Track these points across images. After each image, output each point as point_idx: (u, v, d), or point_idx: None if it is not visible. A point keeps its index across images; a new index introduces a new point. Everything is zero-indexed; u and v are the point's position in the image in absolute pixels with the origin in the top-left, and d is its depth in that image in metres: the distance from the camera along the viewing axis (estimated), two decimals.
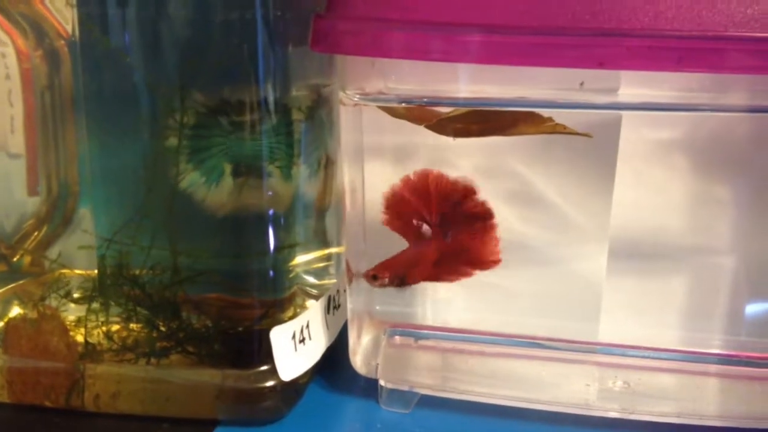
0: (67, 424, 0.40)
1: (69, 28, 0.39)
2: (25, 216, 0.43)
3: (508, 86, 0.36)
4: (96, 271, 0.41)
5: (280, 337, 0.39)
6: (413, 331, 0.42)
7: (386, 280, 0.39)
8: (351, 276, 0.41)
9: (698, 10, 0.31)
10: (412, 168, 0.39)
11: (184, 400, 0.39)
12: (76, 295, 0.42)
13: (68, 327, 0.41)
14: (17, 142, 0.42)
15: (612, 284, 0.39)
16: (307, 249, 0.43)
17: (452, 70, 0.36)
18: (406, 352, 0.42)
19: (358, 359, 0.42)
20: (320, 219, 0.45)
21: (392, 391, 0.41)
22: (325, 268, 0.46)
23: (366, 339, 0.42)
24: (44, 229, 0.43)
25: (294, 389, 0.41)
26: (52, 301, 0.41)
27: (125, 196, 0.40)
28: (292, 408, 0.41)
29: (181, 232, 0.40)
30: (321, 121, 0.43)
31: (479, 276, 0.40)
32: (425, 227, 0.39)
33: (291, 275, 0.42)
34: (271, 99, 0.37)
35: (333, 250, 0.46)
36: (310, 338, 0.41)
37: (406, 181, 0.38)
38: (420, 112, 0.37)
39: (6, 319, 0.42)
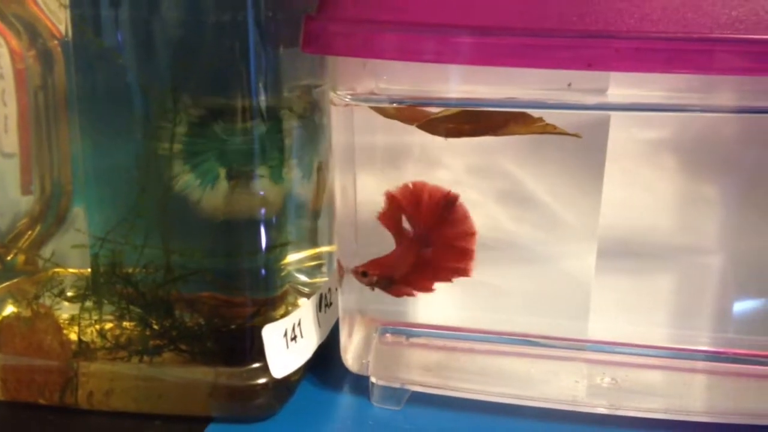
0: (61, 421, 0.40)
1: (62, 29, 0.39)
2: (19, 215, 0.43)
3: (498, 87, 0.36)
4: (89, 270, 0.41)
5: (272, 334, 0.39)
6: (404, 329, 0.42)
7: (375, 278, 0.40)
8: (342, 274, 0.42)
9: (684, 13, 0.31)
10: (403, 168, 0.39)
11: (176, 398, 0.40)
12: (69, 294, 0.42)
13: (62, 325, 0.41)
14: (11, 141, 0.42)
15: (601, 282, 0.39)
16: (299, 248, 0.43)
17: (443, 70, 0.36)
18: (397, 349, 0.42)
19: (349, 357, 0.42)
20: (312, 218, 0.45)
21: (383, 389, 0.41)
22: (317, 266, 0.46)
23: (357, 337, 0.43)
24: (38, 228, 0.43)
25: (286, 386, 0.41)
26: (46, 300, 0.41)
27: (118, 196, 0.40)
28: (284, 405, 0.41)
29: (174, 232, 0.40)
30: (313, 122, 0.43)
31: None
32: (412, 233, 0.39)
33: (283, 274, 0.42)
34: (262, 99, 0.37)
35: (324, 249, 0.46)
36: (301, 336, 0.41)
37: (405, 187, 0.39)
38: (411, 113, 0.38)
39: (0, 318, 0.42)
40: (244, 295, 0.40)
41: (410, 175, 0.39)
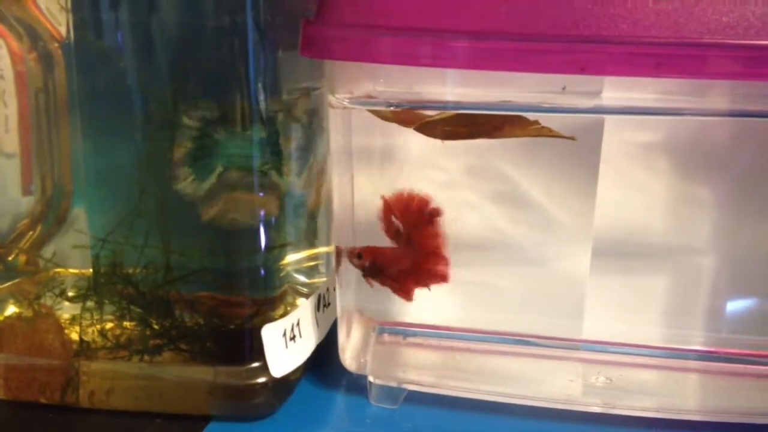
0: (62, 420, 0.40)
1: (63, 31, 0.39)
2: (20, 215, 0.43)
3: (493, 90, 0.36)
4: (90, 270, 0.41)
5: (271, 334, 0.40)
6: (402, 329, 0.43)
7: (367, 263, 0.40)
8: (339, 263, 0.42)
9: (676, 18, 0.31)
10: (400, 169, 0.39)
11: (176, 397, 0.40)
12: (70, 294, 0.42)
13: (63, 325, 0.41)
14: (11, 141, 0.42)
15: (595, 282, 0.39)
16: (298, 248, 0.44)
17: (439, 74, 0.36)
18: (395, 349, 0.42)
19: (347, 356, 0.42)
20: (311, 219, 0.45)
21: (381, 387, 0.41)
22: (315, 267, 0.46)
23: (355, 336, 0.43)
24: (39, 228, 0.43)
25: (285, 386, 0.41)
26: (47, 300, 0.42)
27: (119, 196, 0.40)
28: (283, 404, 0.41)
29: (174, 232, 0.40)
30: (311, 124, 0.43)
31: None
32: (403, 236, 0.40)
33: (282, 274, 0.42)
34: (261, 101, 0.38)
35: (322, 249, 0.47)
36: (300, 336, 0.42)
37: (399, 195, 0.39)
38: (408, 115, 0.38)
39: (2, 318, 0.42)
40: (243, 295, 0.40)
41: (407, 176, 0.39)
